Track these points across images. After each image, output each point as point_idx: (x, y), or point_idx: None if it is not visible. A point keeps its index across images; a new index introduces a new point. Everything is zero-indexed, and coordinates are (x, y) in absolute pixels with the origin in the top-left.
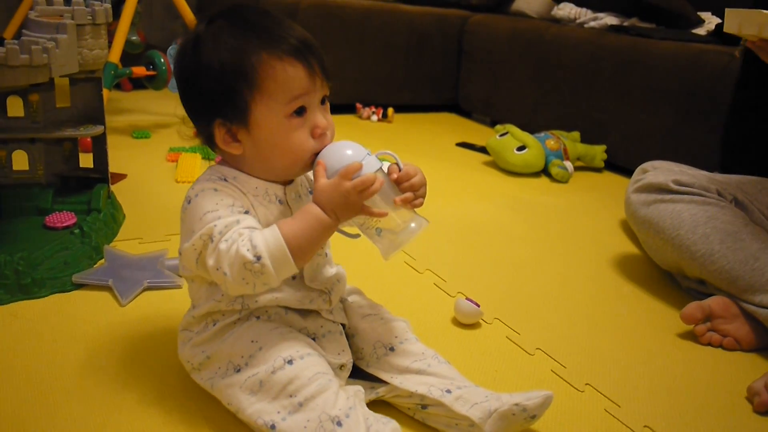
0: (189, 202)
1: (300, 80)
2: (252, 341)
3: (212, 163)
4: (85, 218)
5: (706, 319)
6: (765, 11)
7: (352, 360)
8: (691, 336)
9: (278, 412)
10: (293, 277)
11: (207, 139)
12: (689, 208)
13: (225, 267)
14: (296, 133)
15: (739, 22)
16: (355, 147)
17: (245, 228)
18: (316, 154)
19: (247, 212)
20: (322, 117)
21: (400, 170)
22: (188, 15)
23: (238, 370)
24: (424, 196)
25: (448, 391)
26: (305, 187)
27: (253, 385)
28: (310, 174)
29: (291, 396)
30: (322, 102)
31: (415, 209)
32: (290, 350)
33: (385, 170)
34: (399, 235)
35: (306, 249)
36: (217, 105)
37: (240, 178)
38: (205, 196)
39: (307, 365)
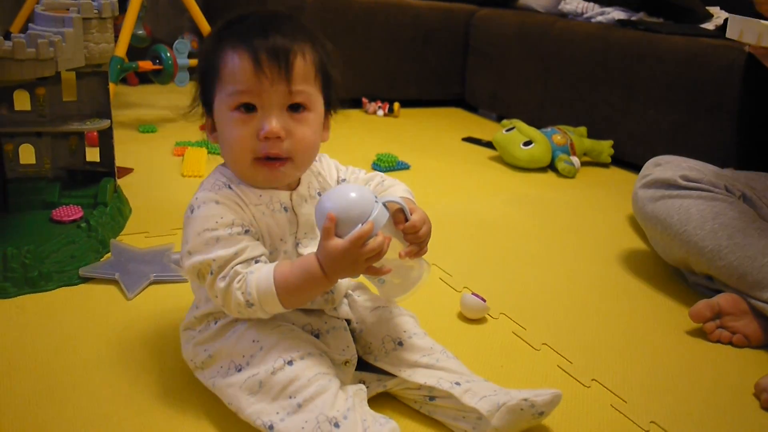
0: (192, 212)
1: (244, 73)
2: (253, 341)
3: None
4: (91, 212)
5: (715, 316)
6: (764, 21)
7: (356, 355)
8: (699, 332)
9: (277, 413)
10: None
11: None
12: (697, 203)
13: (220, 301)
14: (238, 128)
15: (740, 29)
16: (364, 198)
17: (242, 263)
18: (259, 157)
19: (247, 231)
20: (275, 121)
21: (406, 219)
22: (194, 9)
23: (240, 370)
24: (427, 243)
25: (458, 384)
26: (314, 189)
27: (253, 385)
28: (318, 174)
29: (290, 397)
30: (295, 109)
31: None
32: (291, 351)
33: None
34: (402, 284)
35: (295, 300)
36: (202, 92)
37: (243, 186)
38: (207, 210)
39: (307, 366)
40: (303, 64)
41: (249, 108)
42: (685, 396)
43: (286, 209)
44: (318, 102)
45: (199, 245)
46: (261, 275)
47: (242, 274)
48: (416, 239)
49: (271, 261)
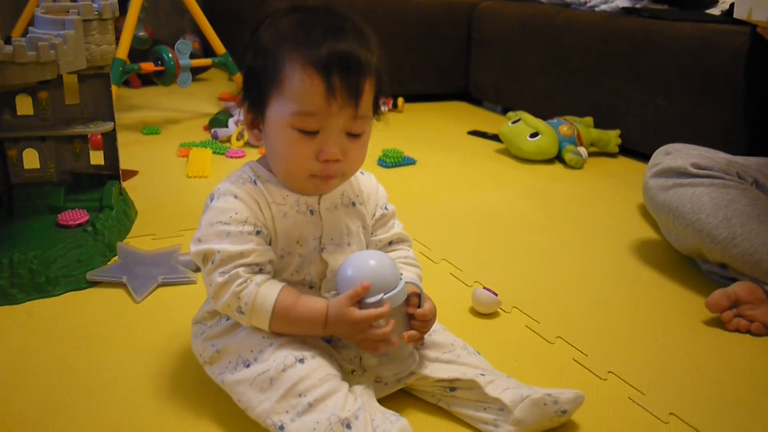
0: (211, 200)
1: (314, 97)
2: (263, 337)
3: (223, 157)
4: (97, 215)
5: (732, 305)
6: None
7: (362, 367)
8: (716, 322)
9: (287, 412)
10: (310, 287)
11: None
12: (709, 191)
13: (212, 292)
14: (297, 146)
15: (749, 7)
16: (391, 273)
17: (245, 267)
18: (315, 176)
19: (258, 232)
20: (335, 144)
21: (420, 305)
22: (195, 10)
23: (248, 365)
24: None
25: (482, 375)
26: (347, 197)
27: (263, 382)
28: (351, 183)
29: (300, 395)
30: (352, 136)
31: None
32: (303, 349)
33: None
34: (391, 365)
35: (284, 329)
36: (249, 86)
37: (272, 183)
38: (225, 202)
39: (319, 365)
40: (369, 90)
41: (313, 133)
42: (705, 387)
43: (312, 212)
44: (371, 122)
45: (209, 235)
46: (264, 292)
47: (244, 278)
48: (422, 327)
49: (284, 264)
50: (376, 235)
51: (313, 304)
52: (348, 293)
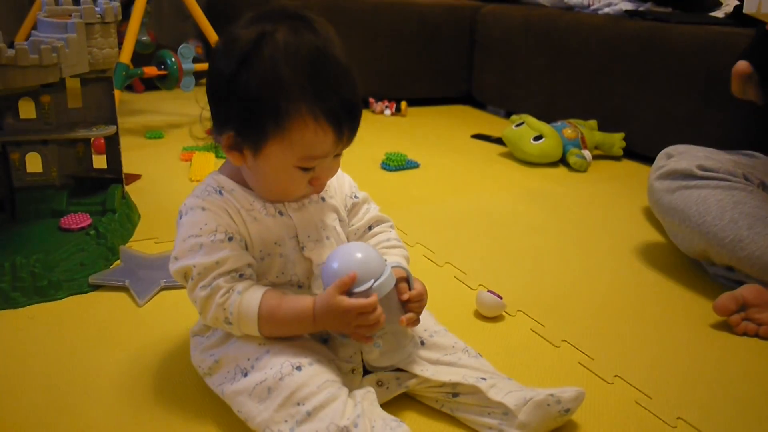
0: (180, 217)
1: (324, 145)
2: (259, 344)
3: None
4: (100, 219)
5: (739, 308)
6: None
7: (361, 363)
8: (723, 325)
9: (286, 422)
10: (299, 287)
11: (217, 133)
12: (715, 193)
13: (199, 308)
14: (296, 180)
15: (758, 2)
16: (375, 262)
17: (224, 276)
18: (303, 195)
19: (231, 238)
20: (327, 170)
21: (410, 287)
22: (198, 14)
23: (245, 374)
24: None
25: (483, 379)
26: (315, 194)
27: (262, 392)
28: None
29: (299, 404)
30: (336, 156)
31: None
32: (299, 356)
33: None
34: (393, 354)
35: (275, 332)
36: (238, 119)
37: (237, 192)
38: (193, 216)
39: (316, 372)
40: None
41: (311, 168)
42: (713, 391)
43: (281, 213)
44: None
45: (184, 251)
46: (247, 299)
47: (226, 289)
48: (417, 309)
49: (265, 267)
50: (352, 225)
51: (299, 301)
52: (336, 283)
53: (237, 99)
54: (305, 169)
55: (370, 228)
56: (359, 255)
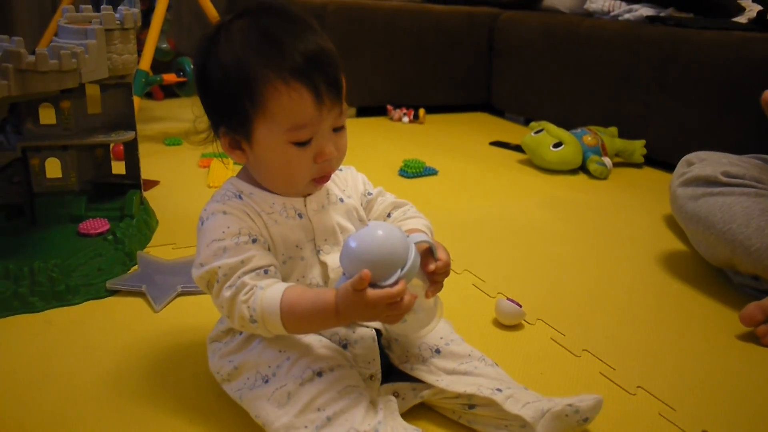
0: (202, 223)
1: (305, 109)
2: (280, 351)
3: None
4: (118, 224)
5: (766, 318)
6: None
7: (380, 370)
8: (749, 336)
9: (306, 427)
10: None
11: (215, 136)
12: (741, 200)
13: (225, 311)
14: (296, 158)
15: None
16: (400, 245)
17: (250, 273)
18: (315, 179)
19: (255, 240)
20: (329, 143)
21: (434, 258)
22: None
23: (266, 381)
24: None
25: (499, 390)
26: (334, 195)
27: (281, 397)
28: (335, 180)
29: (319, 410)
30: (337, 129)
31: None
32: (320, 362)
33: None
34: (423, 318)
35: (300, 329)
36: (221, 112)
37: (256, 194)
38: (215, 221)
39: (337, 378)
40: (344, 83)
41: (306, 141)
42: (738, 403)
43: (300, 215)
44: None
45: (208, 256)
46: (269, 294)
47: (250, 286)
48: (442, 277)
49: (287, 270)
50: (370, 219)
51: (319, 295)
52: (353, 281)
53: (213, 93)
54: (300, 144)
55: (389, 215)
56: (382, 234)
